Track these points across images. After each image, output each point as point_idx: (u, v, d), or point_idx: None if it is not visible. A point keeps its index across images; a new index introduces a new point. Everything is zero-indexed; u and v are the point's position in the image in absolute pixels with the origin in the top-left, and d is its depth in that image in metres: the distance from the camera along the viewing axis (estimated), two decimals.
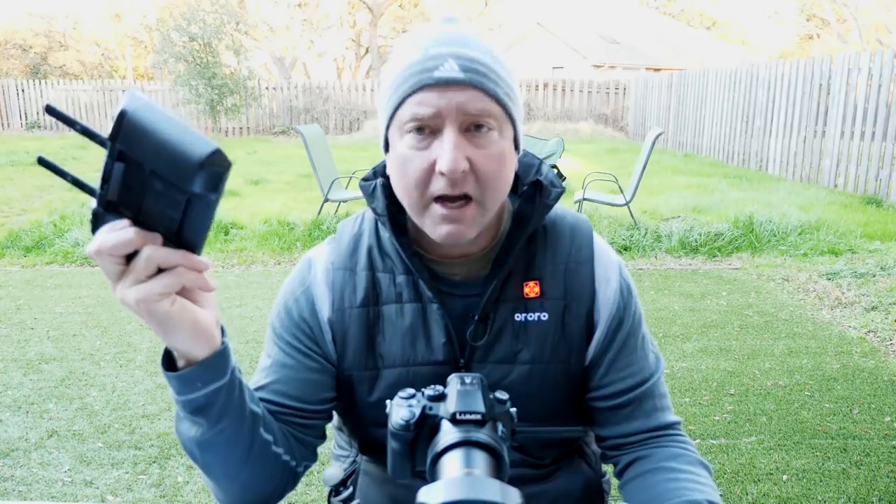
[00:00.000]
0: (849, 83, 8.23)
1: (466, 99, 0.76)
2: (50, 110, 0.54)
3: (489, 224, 0.87)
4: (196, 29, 14.43)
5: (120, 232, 0.55)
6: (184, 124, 0.53)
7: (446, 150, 0.75)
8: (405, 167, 0.78)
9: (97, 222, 0.57)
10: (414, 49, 0.78)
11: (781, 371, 3.13)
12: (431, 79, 0.75)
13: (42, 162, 0.55)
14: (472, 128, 0.77)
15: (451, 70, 0.75)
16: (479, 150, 0.77)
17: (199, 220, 0.56)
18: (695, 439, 2.53)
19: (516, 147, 0.84)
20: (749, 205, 6.75)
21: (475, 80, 0.76)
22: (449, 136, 0.75)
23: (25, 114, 17.19)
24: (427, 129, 0.77)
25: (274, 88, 17.21)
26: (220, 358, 0.69)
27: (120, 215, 0.56)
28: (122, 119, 0.52)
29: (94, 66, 29.65)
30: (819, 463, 2.36)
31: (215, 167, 0.53)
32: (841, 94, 8.37)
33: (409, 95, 0.77)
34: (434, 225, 0.79)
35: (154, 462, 2.37)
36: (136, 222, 0.56)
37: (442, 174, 0.75)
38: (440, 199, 0.78)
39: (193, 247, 0.58)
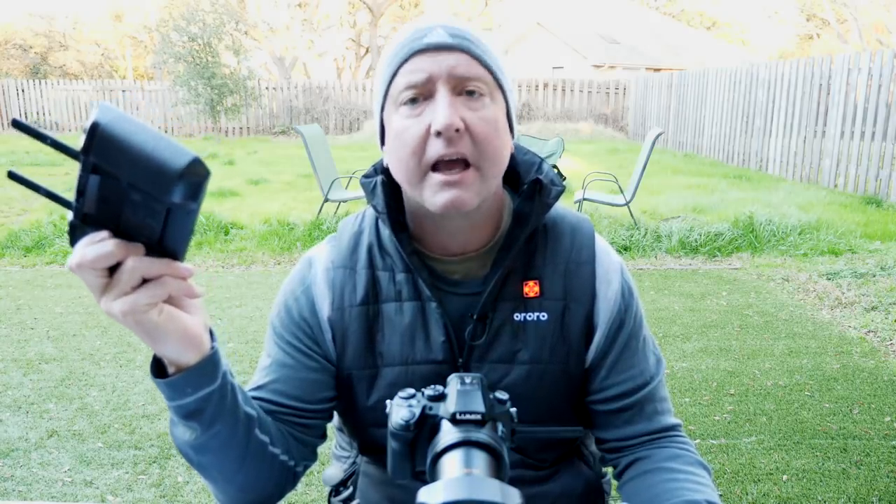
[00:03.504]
0: (849, 83, 8.23)
1: (456, 62, 0.78)
2: (17, 124, 0.51)
3: (489, 220, 0.87)
4: (196, 29, 14.44)
5: (100, 245, 0.54)
6: (159, 134, 0.52)
7: (440, 108, 0.76)
8: (401, 137, 0.79)
9: (75, 235, 0.54)
10: (404, 30, 0.83)
11: (781, 371, 3.12)
12: (421, 44, 0.79)
13: (13, 176, 0.52)
14: (464, 92, 0.79)
15: (439, 35, 0.79)
16: (473, 113, 0.78)
17: (180, 228, 0.55)
18: (695, 439, 2.52)
19: (511, 128, 0.85)
20: (749, 205, 6.75)
21: (463, 45, 0.79)
22: (442, 96, 0.77)
23: (25, 114, 17.18)
24: (420, 98, 0.79)
25: (274, 88, 17.20)
26: (210, 363, 0.69)
27: (98, 227, 0.54)
28: (95, 131, 0.50)
29: (94, 66, 29.65)
30: (819, 463, 2.35)
31: (194, 177, 0.52)
32: (841, 94, 8.37)
33: (401, 65, 0.79)
34: (433, 194, 0.79)
35: (154, 462, 2.37)
36: (116, 233, 0.54)
37: (438, 134, 0.76)
38: (438, 166, 0.78)
39: (176, 254, 0.57)
